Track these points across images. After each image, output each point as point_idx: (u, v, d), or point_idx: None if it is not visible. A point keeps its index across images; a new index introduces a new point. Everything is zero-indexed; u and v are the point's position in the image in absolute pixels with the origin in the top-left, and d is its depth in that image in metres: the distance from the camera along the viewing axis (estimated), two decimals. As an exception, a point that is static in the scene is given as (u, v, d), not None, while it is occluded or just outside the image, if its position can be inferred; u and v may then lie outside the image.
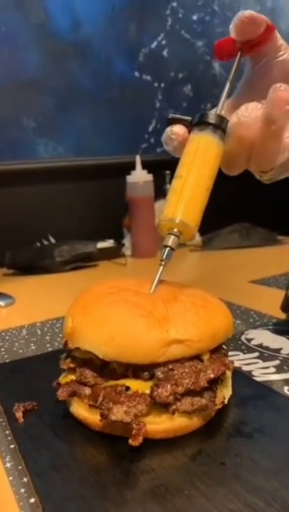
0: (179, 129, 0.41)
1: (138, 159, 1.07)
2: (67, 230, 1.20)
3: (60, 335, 0.61)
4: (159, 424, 0.33)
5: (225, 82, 0.43)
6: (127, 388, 0.33)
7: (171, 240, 0.38)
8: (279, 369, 0.46)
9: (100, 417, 0.33)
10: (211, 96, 1.51)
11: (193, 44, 1.47)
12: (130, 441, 0.31)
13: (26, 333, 0.63)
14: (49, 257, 1.03)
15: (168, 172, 1.26)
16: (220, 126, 0.39)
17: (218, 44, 0.44)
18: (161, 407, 0.33)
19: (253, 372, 0.46)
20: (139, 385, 0.33)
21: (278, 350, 0.51)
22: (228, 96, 0.43)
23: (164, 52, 1.42)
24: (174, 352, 0.32)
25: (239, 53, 0.43)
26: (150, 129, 1.42)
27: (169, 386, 0.32)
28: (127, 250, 1.15)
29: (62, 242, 1.08)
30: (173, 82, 1.45)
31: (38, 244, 1.15)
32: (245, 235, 1.16)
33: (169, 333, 0.32)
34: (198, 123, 0.40)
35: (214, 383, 0.34)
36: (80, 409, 0.35)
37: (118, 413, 0.31)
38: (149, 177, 1.07)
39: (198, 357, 0.34)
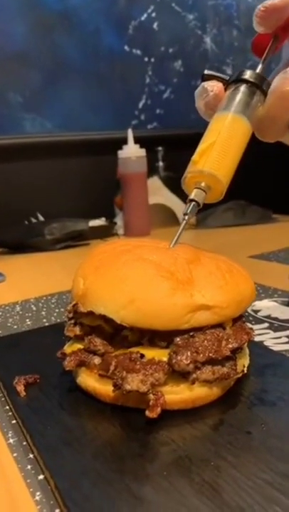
0: (215, 83, 0.37)
1: (130, 133, 1.03)
2: (56, 208, 1.16)
3: (57, 310, 0.58)
4: (177, 394, 0.30)
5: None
6: (142, 356, 0.30)
7: (197, 194, 0.34)
8: (292, 339, 0.44)
9: (112, 388, 0.30)
10: (202, 72, 1.47)
11: (184, 17, 1.42)
12: (147, 412, 0.28)
13: (20, 309, 0.60)
14: (39, 235, 0.99)
15: (160, 148, 1.23)
16: (259, 86, 0.36)
17: (255, 41, 0.40)
18: (180, 376, 0.30)
19: (265, 343, 0.44)
20: (155, 353, 0.30)
21: (288, 321, 0.49)
22: None
23: (154, 26, 1.37)
24: (199, 319, 0.29)
25: (272, 40, 0.40)
26: (140, 105, 1.38)
27: (189, 353, 0.29)
28: (119, 229, 1.11)
29: (52, 219, 1.04)
30: (163, 57, 1.41)
31: (27, 222, 1.10)
32: (240, 213, 1.14)
33: (194, 297, 0.29)
34: (235, 80, 0.37)
35: (235, 352, 0.32)
36: (88, 380, 0.33)
37: (133, 382, 0.29)
38: (142, 152, 1.03)
39: (220, 324, 0.31)
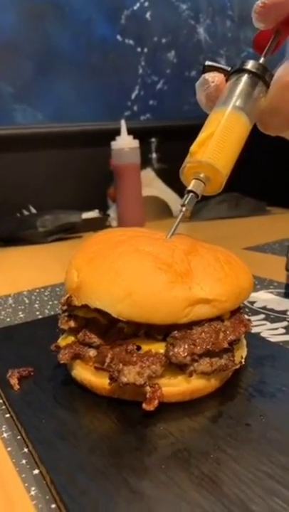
0: (216, 75, 0.36)
1: (123, 124, 1.02)
2: (48, 201, 1.15)
3: (50, 303, 0.57)
4: (174, 387, 0.30)
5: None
6: (138, 348, 0.30)
7: (196, 185, 0.33)
8: (288, 330, 0.44)
9: (108, 380, 0.29)
10: (195, 63, 1.46)
11: (177, 7, 1.40)
12: (144, 405, 0.28)
13: (13, 302, 0.59)
14: (31, 227, 0.98)
15: (153, 140, 1.21)
16: (261, 76, 0.35)
17: (257, 39, 0.39)
18: (177, 368, 0.29)
19: (262, 334, 0.43)
20: (151, 345, 0.30)
21: (284, 312, 0.48)
22: None
23: (147, 15, 1.35)
24: (198, 312, 0.29)
25: (273, 36, 0.38)
26: (133, 96, 1.36)
27: (186, 346, 0.29)
28: (112, 221, 1.10)
29: (44, 211, 1.02)
30: (156, 48, 1.39)
31: (18, 215, 1.09)
32: (234, 205, 1.13)
33: (193, 290, 0.28)
34: (237, 70, 0.35)
35: (232, 343, 0.31)
36: (83, 373, 0.32)
37: (130, 374, 0.28)
38: (136, 143, 1.02)
39: (218, 317, 0.31)
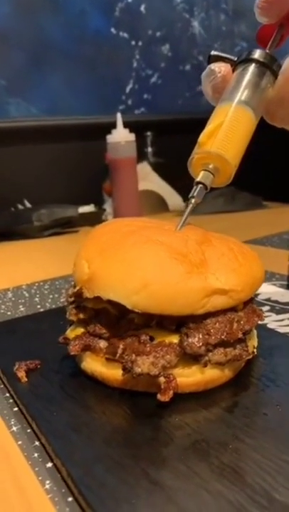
0: (223, 65, 0.35)
1: (119, 117, 1.01)
2: (43, 195, 1.13)
3: (51, 296, 0.57)
4: (188, 377, 0.29)
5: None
6: (151, 338, 0.29)
7: (204, 176, 0.32)
8: (295, 321, 0.44)
9: (120, 372, 0.29)
10: (190, 57, 1.45)
11: (172, 0, 1.39)
12: (159, 396, 0.27)
13: (12, 296, 0.58)
14: (26, 221, 0.96)
15: (149, 134, 1.21)
16: (269, 66, 0.34)
17: (260, 33, 0.38)
18: (191, 358, 0.29)
19: (269, 325, 0.43)
20: (165, 335, 0.29)
21: (289, 304, 0.48)
22: None
23: (142, 8, 1.34)
24: (215, 303, 0.28)
25: (277, 30, 0.38)
26: (127, 90, 1.35)
27: (200, 336, 0.28)
28: (108, 216, 1.09)
29: (40, 205, 1.01)
30: (151, 41, 1.38)
31: (13, 209, 1.07)
32: (230, 199, 1.13)
33: (209, 280, 0.28)
34: (243, 60, 0.35)
35: (246, 333, 0.31)
36: (94, 365, 0.31)
37: (144, 365, 0.27)
38: (132, 136, 1.01)
39: (232, 308, 0.30)
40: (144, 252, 0.29)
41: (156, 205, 1.14)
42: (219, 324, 0.29)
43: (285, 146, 1.28)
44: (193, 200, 0.33)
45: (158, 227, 0.32)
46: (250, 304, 0.33)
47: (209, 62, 0.37)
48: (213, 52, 0.37)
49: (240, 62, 0.35)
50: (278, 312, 0.46)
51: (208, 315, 0.29)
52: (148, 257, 0.29)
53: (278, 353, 0.35)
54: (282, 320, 0.44)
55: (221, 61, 0.36)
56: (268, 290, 0.53)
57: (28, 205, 1.09)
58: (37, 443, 0.28)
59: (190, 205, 0.33)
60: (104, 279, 0.29)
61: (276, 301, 0.49)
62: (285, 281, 0.56)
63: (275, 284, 0.55)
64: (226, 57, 0.36)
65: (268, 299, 0.50)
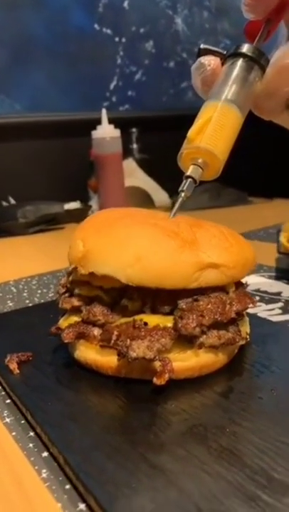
0: (212, 58, 0.35)
1: (104, 113, 1.00)
2: (28, 192, 1.12)
3: (39, 291, 0.56)
4: (183, 362, 0.29)
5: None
6: (145, 324, 0.29)
7: (194, 170, 0.32)
8: (285, 310, 0.44)
9: (115, 358, 0.28)
10: (174, 53, 1.45)
11: (155, -4, 1.40)
12: (155, 379, 0.27)
13: (0, 291, 0.57)
14: (11, 218, 0.95)
15: (134, 130, 1.20)
16: (257, 60, 0.34)
17: (247, 27, 0.38)
18: (186, 341, 0.29)
19: (259, 314, 0.43)
20: (159, 320, 0.29)
21: (278, 294, 0.49)
22: None
23: (125, 4, 1.34)
24: (208, 277, 0.29)
25: (264, 25, 0.38)
26: (112, 86, 1.35)
27: (194, 316, 0.28)
28: (95, 212, 1.09)
29: (25, 202, 1.00)
30: (134, 37, 1.38)
31: (-3, 206, 1.06)
32: (216, 195, 1.13)
33: (201, 256, 0.28)
34: (232, 54, 0.35)
35: (239, 315, 0.31)
36: (88, 353, 0.31)
37: (139, 349, 0.27)
38: (117, 132, 1.01)
39: (223, 289, 0.31)
40: (137, 230, 0.30)
41: (142, 201, 1.14)
42: (212, 305, 0.29)
43: (269, 142, 1.29)
44: (182, 194, 0.33)
45: (150, 213, 0.32)
46: (242, 287, 0.33)
47: (199, 56, 0.37)
48: (202, 46, 0.37)
49: (229, 56, 0.36)
50: (268, 302, 0.46)
51: (201, 292, 0.29)
52: (141, 234, 0.29)
53: (271, 340, 0.35)
54: (272, 309, 0.44)
55: (211, 54, 0.36)
56: (256, 281, 0.54)
57: (12, 201, 1.07)
58: (31, 433, 0.27)
59: (180, 199, 0.33)
60: (99, 254, 0.30)
61: (265, 292, 0.50)
62: (273, 272, 0.57)
63: (263, 276, 0.56)
64: (215, 51, 0.36)
65: (258, 290, 0.50)
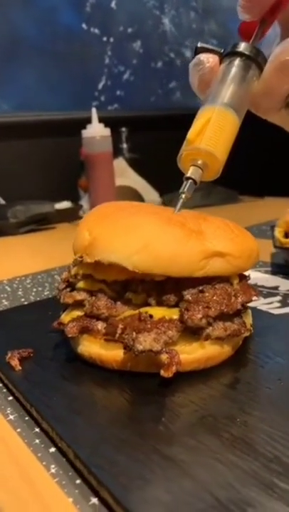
0: (211, 56, 0.35)
1: (94, 112, 1.00)
2: (17, 192, 1.11)
3: (34, 289, 0.55)
4: (190, 354, 0.29)
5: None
6: (151, 316, 0.29)
7: (194, 171, 0.33)
8: (284, 304, 0.44)
9: (121, 352, 0.28)
10: (161, 54, 1.46)
11: (142, -3, 1.40)
12: (162, 372, 0.27)
13: (-6, 290, 0.56)
14: (2, 218, 0.94)
15: (124, 129, 1.20)
16: (254, 59, 0.34)
17: (242, 27, 0.38)
18: (191, 333, 0.29)
19: (259, 308, 0.43)
20: (164, 312, 0.29)
21: (276, 288, 0.49)
22: None
23: (112, 4, 1.34)
24: (214, 265, 0.29)
25: (259, 25, 0.38)
26: (100, 86, 1.35)
27: (200, 308, 0.28)
28: (85, 212, 1.08)
29: (15, 202, 0.99)
30: (122, 37, 1.37)
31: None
32: (207, 194, 1.14)
33: (207, 245, 0.28)
34: (229, 53, 0.35)
35: (242, 310, 0.31)
36: (92, 348, 0.31)
37: (146, 342, 0.27)
38: (107, 131, 1.00)
39: (227, 280, 0.31)
40: (144, 218, 0.30)
41: (133, 200, 1.13)
42: (217, 297, 0.29)
43: (261, 141, 1.30)
44: (183, 196, 0.33)
45: (153, 206, 0.32)
46: (244, 280, 0.33)
47: (196, 54, 0.37)
48: (199, 44, 0.37)
49: (226, 55, 0.35)
50: (266, 296, 0.47)
51: (206, 282, 0.29)
52: (149, 222, 0.30)
53: (273, 332, 0.35)
54: (271, 303, 0.44)
55: (208, 52, 0.36)
56: (253, 276, 0.54)
57: (2, 201, 1.06)
58: (37, 429, 0.27)
59: (180, 200, 0.33)
60: (105, 241, 0.29)
61: (263, 286, 0.50)
62: (268, 267, 0.57)
63: (259, 271, 0.56)
64: (212, 49, 0.36)
65: (255, 285, 0.50)
